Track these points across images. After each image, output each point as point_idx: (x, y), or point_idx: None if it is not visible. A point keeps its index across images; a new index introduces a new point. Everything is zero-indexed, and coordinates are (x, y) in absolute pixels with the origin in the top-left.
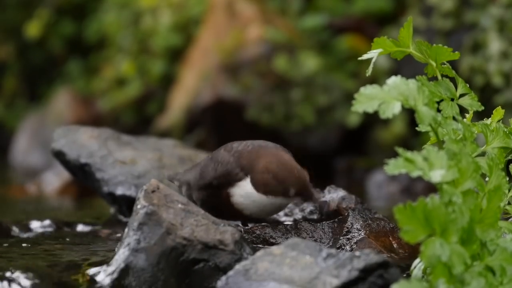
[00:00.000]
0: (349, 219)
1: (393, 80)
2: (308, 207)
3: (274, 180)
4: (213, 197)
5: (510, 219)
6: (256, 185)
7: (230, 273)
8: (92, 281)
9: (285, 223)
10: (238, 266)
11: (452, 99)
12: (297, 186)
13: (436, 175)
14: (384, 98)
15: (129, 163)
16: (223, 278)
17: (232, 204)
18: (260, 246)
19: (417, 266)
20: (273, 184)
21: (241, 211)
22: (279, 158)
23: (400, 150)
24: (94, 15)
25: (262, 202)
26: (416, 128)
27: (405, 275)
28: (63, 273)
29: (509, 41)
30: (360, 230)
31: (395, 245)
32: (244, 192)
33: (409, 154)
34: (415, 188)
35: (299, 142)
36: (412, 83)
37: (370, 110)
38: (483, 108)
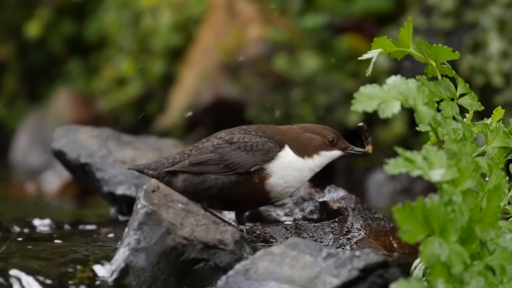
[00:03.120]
0: (349, 219)
1: (393, 80)
2: (309, 206)
3: (313, 134)
4: (240, 183)
5: (510, 219)
6: (299, 148)
7: (230, 272)
8: (92, 280)
9: (285, 223)
10: (238, 266)
11: (452, 99)
12: (335, 136)
13: (436, 175)
14: (384, 97)
15: (129, 162)
16: (223, 277)
17: (263, 186)
18: (260, 245)
19: (418, 265)
20: (315, 139)
21: (268, 193)
22: (300, 124)
23: (400, 149)
24: (94, 15)
25: (305, 168)
26: (416, 128)
27: (405, 274)
28: (63, 272)
29: (509, 41)
30: (360, 230)
31: (395, 245)
32: (285, 162)
33: (409, 153)
34: (415, 188)
35: None
36: (412, 82)
37: (370, 109)
38: (483, 108)
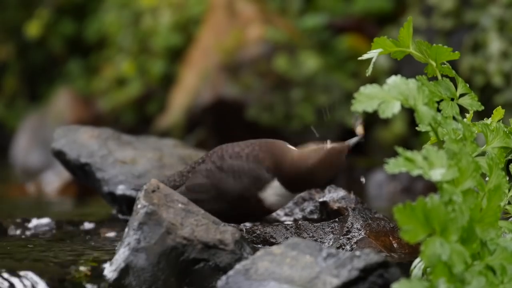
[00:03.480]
0: (349, 219)
1: (393, 80)
2: (309, 206)
3: (310, 176)
4: (238, 207)
5: (510, 219)
6: (288, 185)
7: (230, 272)
8: (92, 280)
9: (285, 223)
10: (238, 266)
11: (452, 99)
12: (333, 179)
13: (436, 174)
14: (384, 97)
15: (129, 162)
16: (223, 277)
17: (262, 206)
18: (260, 245)
19: (418, 265)
20: (310, 184)
21: (269, 208)
22: (298, 154)
23: (400, 149)
24: (94, 15)
25: (294, 196)
26: (416, 128)
27: (405, 274)
28: (63, 273)
29: (509, 41)
30: (360, 230)
31: (395, 245)
32: (275, 191)
33: (409, 153)
34: (416, 188)
35: (299, 142)
36: (412, 82)
37: (370, 109)
38: (483, 108)
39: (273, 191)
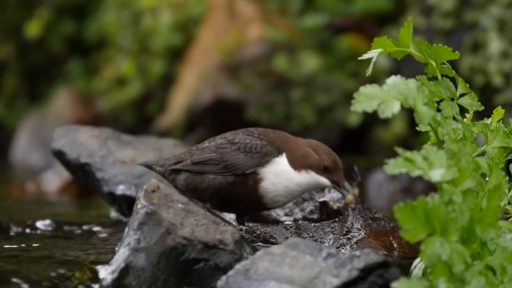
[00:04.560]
0: (349, 219)
1: (393, 80)
2: (309, 206)
3: (314, 152)
4: (236, 184)
5: (510, 219)
6: (294, 159)
7: (230, 272)
8: (92, 280)
9: (285, 223)
10: (238, 266)
11: (452, 99)
12: (333, 165)
13: (436, 174)
14: (384, 97)
15: (129, 162)
16: (223, 277)
17: (256, 190)
18: (260, 245)
19: (418, 265)
20: (312, 156)
21: (261, 197)
22: (310, 139)
23: (400, 149)
24: (94, 15)
25: (293, 180)
26: (416, 128)
27: (405, 274)
28: (63, 273)
29: (509, 41)
30: (360, 230)
31: (395, 245)
32: (278, 169)
33: (409, 153)
34: (415, 188)
35: None
36: (411, 82)
37: (370, 109)
38: (483, 108)
39: (275, 168)
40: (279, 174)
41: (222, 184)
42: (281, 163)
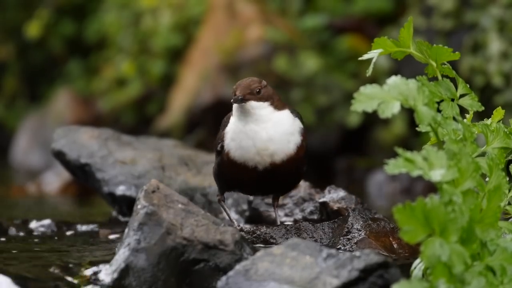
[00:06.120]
0: (349, 219)
1: (393, 80)
2: (309, 207)
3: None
4: (222, 164)
5: (510, 219)
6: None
7: (230, 273)
8: (92, 280)
9: (285, 223)
10: (238, 266)
11: (452, 99)
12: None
13: (436, 175)
14: (384, 97)
15: (129, 163)
16: (223, 278)
17: (226, 154)
18: (260, 246)
19: (418, 266)
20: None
21: (234, 160)
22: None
23: (400, 150)
24: (94, 15)
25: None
26: (416, 128)
27: (405, 275)
28: (63, 273)
29: (509, 41)
30: (360, 231)
31: (395, 245)
32: (232, 123)
33: (409, 154)
34: (415, 188)
35: None
36: (412, 83)
37: (370, 109)
38: (483, 108)
39: (230, 126)
40: (232, 125)
41: (217, 165)
42: (232, 119)
